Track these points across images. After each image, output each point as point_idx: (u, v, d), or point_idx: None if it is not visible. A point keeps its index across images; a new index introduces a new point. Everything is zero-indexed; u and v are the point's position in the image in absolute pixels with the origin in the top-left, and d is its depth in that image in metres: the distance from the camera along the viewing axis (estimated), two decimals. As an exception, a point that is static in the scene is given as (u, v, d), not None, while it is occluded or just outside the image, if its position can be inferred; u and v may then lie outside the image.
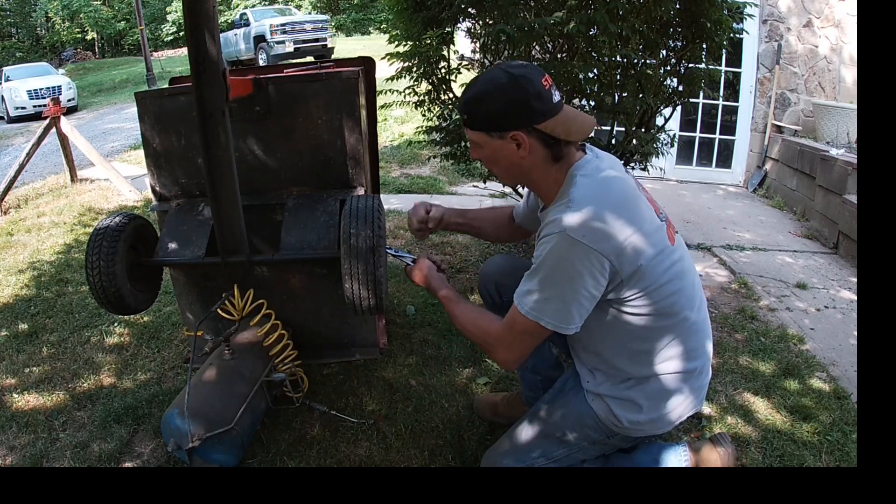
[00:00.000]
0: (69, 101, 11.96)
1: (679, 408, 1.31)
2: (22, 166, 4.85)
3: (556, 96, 1.22)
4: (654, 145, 3.10)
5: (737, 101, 5.14)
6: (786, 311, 2.77)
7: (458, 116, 2.81)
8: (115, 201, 4.66)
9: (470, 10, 2.80)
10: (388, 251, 1.67)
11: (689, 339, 1.29)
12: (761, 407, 2.01)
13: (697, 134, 5.27)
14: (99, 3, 27.28)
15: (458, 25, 2.97)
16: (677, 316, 1.26)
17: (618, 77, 2.68)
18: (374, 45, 12.93)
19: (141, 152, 4.65)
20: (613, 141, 2.95)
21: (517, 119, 1.21)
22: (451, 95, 2.96)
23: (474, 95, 1.25)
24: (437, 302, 1.47)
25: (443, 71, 2.89)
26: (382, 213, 1.65)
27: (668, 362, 1.28)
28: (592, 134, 3.38)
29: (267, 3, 22.04)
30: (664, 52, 2.78)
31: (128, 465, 1.78)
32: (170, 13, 27.68)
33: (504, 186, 3.40)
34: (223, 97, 1.53)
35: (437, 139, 3.08)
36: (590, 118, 1.27)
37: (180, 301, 2.12)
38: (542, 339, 1.26)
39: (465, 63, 2.98)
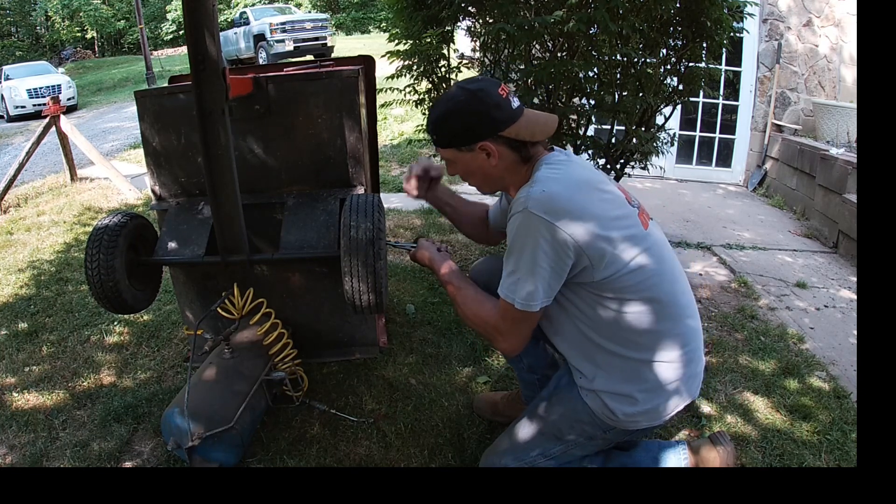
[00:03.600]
0: (69, 99, 11.99)
1: (674, 398, 1.32)
2: (22, 165, 4.85)
3: (515, 103, 1.29)
4: (654, 144, 3.10)
5: (737, 100, 5.14)
6: (785, 311, 2.77)
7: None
8: (114, 200, 4.66)
9: (470, 8, 2.80)
10: (389, 243, 1.70)
11: (675, 324, 1.30)
12: (761, 406, 2.01)
13: (697, 133, 5.27)
14: (99, 1, 27.26)
15: (459, 24, 2.97)
16: (658, 301, 1.27)
17: (618, 76, 2.68)
18: (374, 43, 12.91)
19: (140, 151, 4.64)
20: (613, 140, 2.95)
21: (482, 130, 1.28)
22: (451, 94, 2.96)
23: (438, 116, 1.33)
24: (437, 301, 1.48)
25: (443, 69, 2.89)
26: (382, 211, 1.65)
27: (654, 347, 1.29)
28: (592, 133, 3.39)
29: (267, 1, 21.97)
30: (664, 50, 2.78)
31: (128, 464, 1.78)
32: (169, 12, 27.66)
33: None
34: (223, 96, 1.53)
35: (437, 138, 3.07)
36: (552, 116, 1.33)
37: (180, 300, 2.11)
38: (535, 322, 1.31)
39: (465, 62, 2.98)
